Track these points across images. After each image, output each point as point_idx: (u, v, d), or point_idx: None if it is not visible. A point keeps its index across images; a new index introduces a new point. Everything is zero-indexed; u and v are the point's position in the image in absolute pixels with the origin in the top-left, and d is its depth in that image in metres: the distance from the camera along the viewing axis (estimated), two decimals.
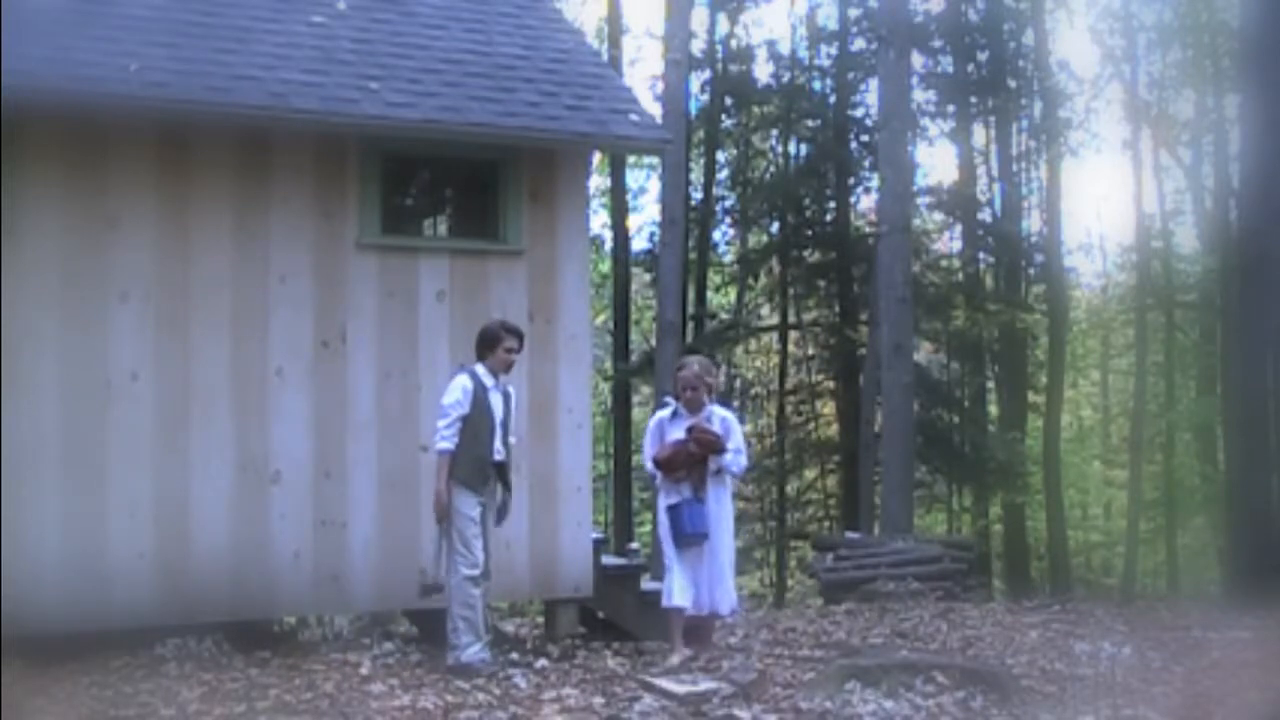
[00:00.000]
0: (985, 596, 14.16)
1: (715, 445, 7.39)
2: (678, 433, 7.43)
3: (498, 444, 7.11)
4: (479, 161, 8.39)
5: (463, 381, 7.02)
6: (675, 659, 7.22)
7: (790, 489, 26.34)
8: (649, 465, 7.57)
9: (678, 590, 7.33)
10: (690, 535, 7.35)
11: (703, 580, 7.41)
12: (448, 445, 6.94)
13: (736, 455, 7.51)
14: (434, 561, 7.10)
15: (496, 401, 7.11)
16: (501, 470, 7.18)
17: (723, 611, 7.65)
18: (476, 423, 6.98)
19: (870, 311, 21.57)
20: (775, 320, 26.93)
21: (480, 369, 7.10)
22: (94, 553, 7.11)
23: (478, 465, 7.01)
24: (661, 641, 7.67)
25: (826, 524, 24.90)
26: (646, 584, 8.70)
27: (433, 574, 7.09)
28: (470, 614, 6.93)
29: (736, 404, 29.64)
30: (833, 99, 25.07)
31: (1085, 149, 26.12)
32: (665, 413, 7.65)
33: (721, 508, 7.54)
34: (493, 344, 7.11)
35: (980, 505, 24.36)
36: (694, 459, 7.37)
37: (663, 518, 7.53)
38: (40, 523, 6.99)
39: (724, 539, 7.56)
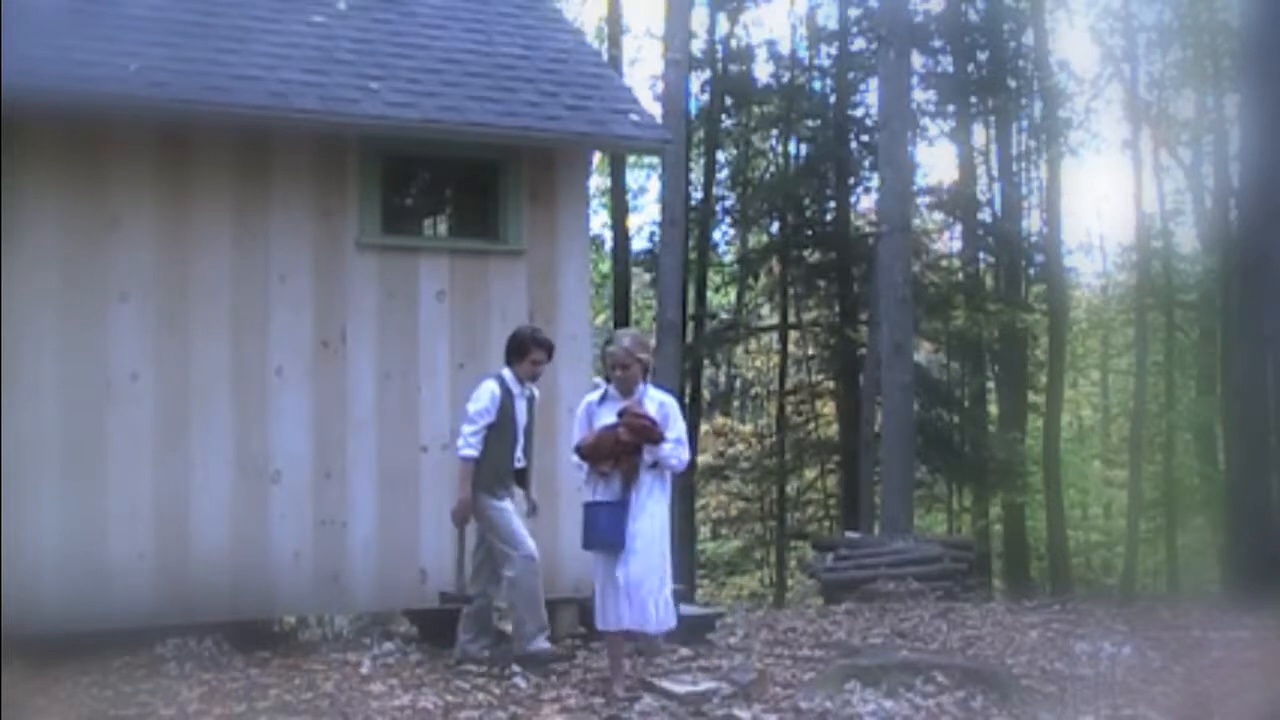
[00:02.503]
0: (985, 596, 14.17)
1: (650, 433, 6.23)
2: (607, 417, 6.34)
3: (519, 451, 7.05)
4: (479, 161, 8.38)
5: (490, 387, 6.92)
6: (617, 689, 6.37)
7: (790, 489, 26.35)
8: (573, 456, 6.49)
9: (603, 610, 6.37)
10: (600, 540, 6.28)
11: (621, 591, 6.24)
12: (472, 452, 6.85)
13: (677, 446, 6.34)
14: (455, 570, 7.01)
15: (521, 409, 7.04)
16: (521, 476, 7.13)
17: (650, 629, 6.38)
18: (501, 430, 6.92)
19: (870, 311, 21.59)
20: (775, 320, 26.94)
21: (507, 374, 7.02)
22: (94, 553, 7.11)
23: (498, 474, 6.96)
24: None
25: (826, 524, 24.92)
26: None
27: (455, 583, 6.99)
28: (534, 601, 6.85)
29: (737, 404, 29.72)
30: (833, 99, 25.08)
31: (1085, 149, 26.13)
32: (594, 396, 6.61)
33: (655, 507, 6.35)
34: (521, 353, 7.02)
35: (980, 505, 24.36)
36: (624, 448, 6.25)
37: None
38: (40, 523, 6.99)
39: (655, 543, 6.32)
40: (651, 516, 6.31)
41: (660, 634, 6.62)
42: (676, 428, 6.39)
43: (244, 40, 7.97)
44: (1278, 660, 8.15)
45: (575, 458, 6.44)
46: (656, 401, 6.41)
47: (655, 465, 6.34)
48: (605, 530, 6.24)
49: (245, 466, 7.50)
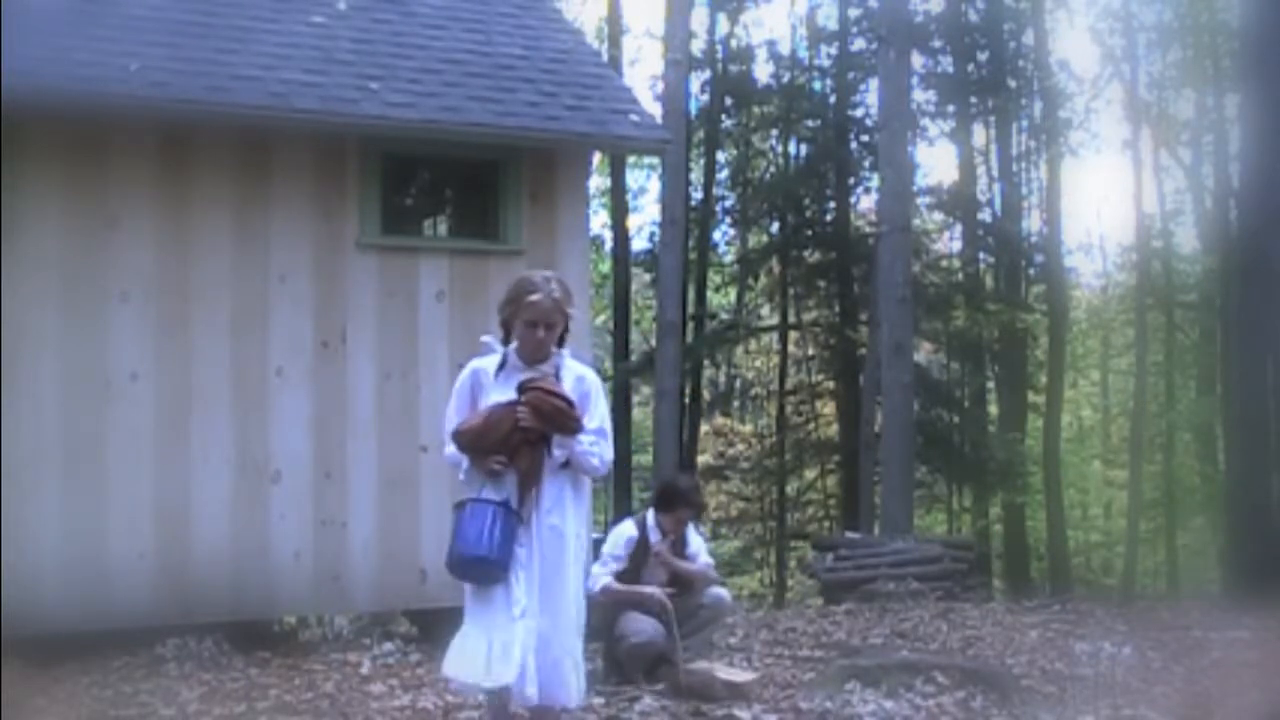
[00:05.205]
0: (985, 596, 14.15)
1: (564, 418, 4.34)
2: (502, 394, 4.38)
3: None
4: (479, 161, 8.39)
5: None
6: None
7: (790, 489, 26.34)
8: (449, 449, 4.45)
9: (463, 656, 4.29)
10: (469, 560, 4.23)
11: (515, 645, 4.18)
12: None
13: (598, 439, 4.43)
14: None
15: None
16: None
17: (561, 701, 4.36)
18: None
19: (870, 311, 21.58)
20: (775, 320, 26.93)
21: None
22: (94, 553, 7.11)
23: None
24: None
25: (826, 524, 24.90)
26: None
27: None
28: None
29: (737, 404, 29.73)
30: (833, 99, 25.07)
31: (1085, 149, 26.25)
32: (485, 361, 4.52)
33: (569, 526, 4.41)
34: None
35: (980, 505, 24.35)
36: (525, 437, 4.30)
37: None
38: (40, 523, 6.99)
39: (568, 575, 4.40)
40: (563, 540, 4.38)
41: (575, 707, 4.52)
42: (598, 414, 4.48)
43: (244, 40, 7.97)
44: (1278, 660, 8.15)
45: (451, 448, 4.45)
46: (574, 375, 4.50)
47: (567, 464, 4.42)
48: (476, 540, 4.19)
49: (245, 466, 7.50)
